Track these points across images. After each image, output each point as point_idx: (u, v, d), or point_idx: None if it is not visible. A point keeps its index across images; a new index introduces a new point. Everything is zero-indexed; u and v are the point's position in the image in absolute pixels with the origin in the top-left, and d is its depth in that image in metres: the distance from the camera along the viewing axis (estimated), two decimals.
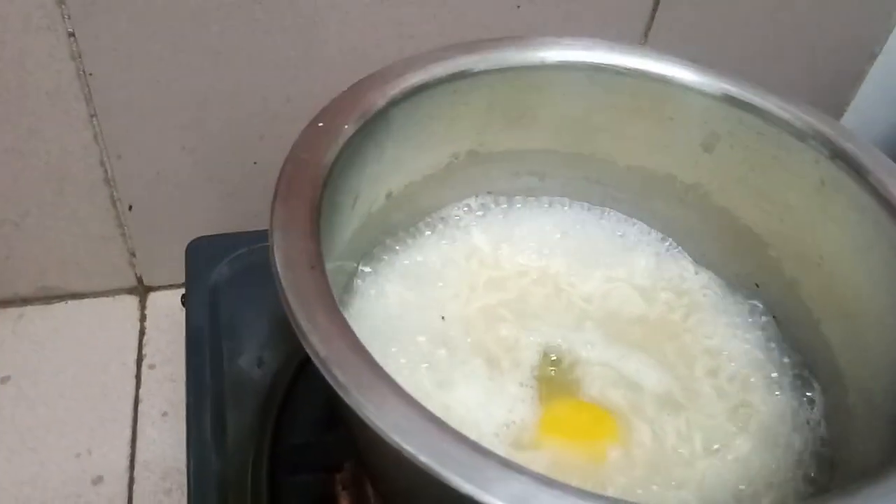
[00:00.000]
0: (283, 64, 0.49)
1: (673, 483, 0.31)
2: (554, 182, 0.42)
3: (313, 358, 0.22)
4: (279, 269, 0.24)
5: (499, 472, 0.20)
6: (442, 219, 0.41)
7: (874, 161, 0.32)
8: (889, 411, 0.29)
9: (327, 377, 0.21)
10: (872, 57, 0.60)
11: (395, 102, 0.33)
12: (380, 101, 0.33)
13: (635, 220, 0.42)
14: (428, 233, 0.41)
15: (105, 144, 0.50)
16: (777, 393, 0.35)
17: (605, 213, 0.42)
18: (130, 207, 0.55)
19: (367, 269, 0.38)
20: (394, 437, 0.20)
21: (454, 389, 0.33)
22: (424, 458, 0.20)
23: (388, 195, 0.37)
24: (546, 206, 0.43)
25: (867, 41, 0.59)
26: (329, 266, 0.30)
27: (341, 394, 0.21)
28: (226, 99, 0.50)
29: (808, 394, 0.35)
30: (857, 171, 0.32)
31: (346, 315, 0.24)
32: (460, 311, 0.37)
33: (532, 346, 0.36)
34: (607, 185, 0.42)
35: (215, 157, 0.53)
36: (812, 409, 0.35)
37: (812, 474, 0.32)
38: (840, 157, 0.33)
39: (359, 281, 0.37)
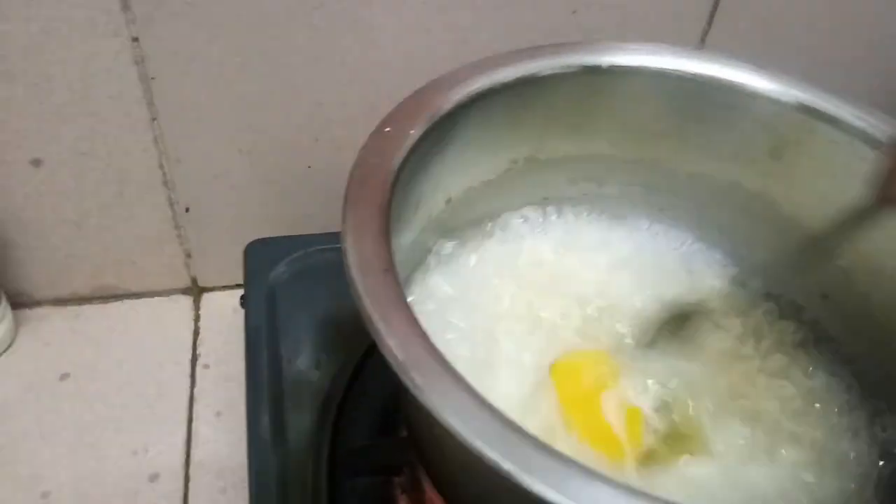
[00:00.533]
0: (339, 69, 0.49)
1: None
2: (612, 189, 0.42)
3: (391, 361, 0.22)
4: (354, 274, 0.24)
5: (583, 480, 0.19)
6: (499, 226, 0.41)
7: None
8: None
9: (405, 381, 0.21)
10: None
11: (461, 107, 0.33)
12: (445, 105, 0.33)
13: (694, 239, 0.41)
14: (484, 240, 0.41)
15: (165, 147, 0.51)
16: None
17: (663, 230, 0.42)
18: (187, 209, 0.56)
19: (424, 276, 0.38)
20: (476, 442, 0.20)
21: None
22: (508, 465, 0.20)
23: (448, 200, 0.37)
24: (601, 217, 0.42)
25: None
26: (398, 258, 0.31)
27: (420, 397, 0.21)
28: (282, 103, 0.51)
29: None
30: None
31: None
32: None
33: None
34: (667, 193, 0.41)
35: (270, 160, 0.54)
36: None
37: None
38: None
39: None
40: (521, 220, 0.41)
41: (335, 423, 0.38)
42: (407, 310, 0.24)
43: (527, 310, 0.38)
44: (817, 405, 0.35)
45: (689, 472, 0.31)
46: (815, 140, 0.35)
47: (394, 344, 0.22)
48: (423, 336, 0.23)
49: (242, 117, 0.51)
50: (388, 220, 0.27)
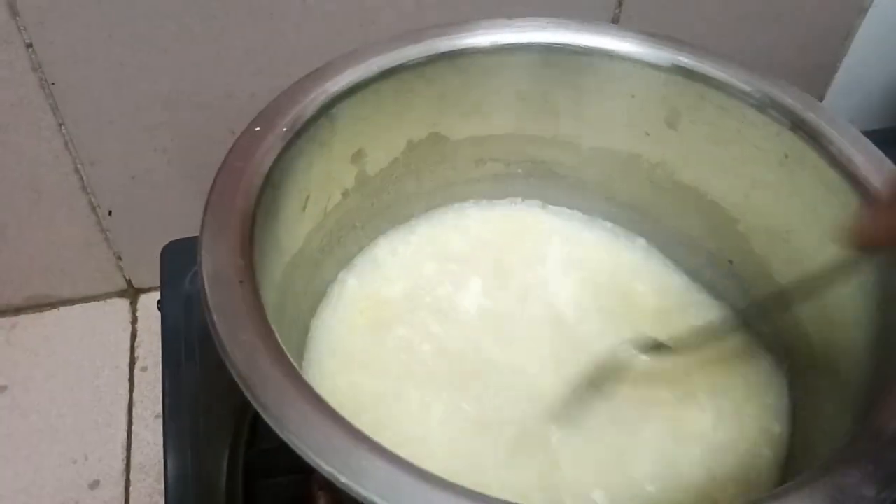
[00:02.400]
0: (244, 59, 0.48)
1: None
2: (518, 167, 0.41)
3: (235, 377, 0.22)
4: (206, 287, 0.24)
5: (416, 485, 0.19)
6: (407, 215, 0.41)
7: (838, 131, 0.31)
8: (852, 390, 0.28)
9: (248, 397, 0.21)
10: (862, 11, 0.57)
11: (337, 99, 0.33)
12: (320, 98, 0.32)
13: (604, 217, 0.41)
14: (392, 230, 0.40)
15: (77, 152, 0.50)
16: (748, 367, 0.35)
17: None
18: (110, 212, 0.55)
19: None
20: (316, 459, 0.20)
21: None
22: (344, 479, 0.19)
23: (345, 193, 0.37)
24: (510, 205, 0.42)
25: None
26: (278, 270, 0.30)
27: (264, 416, 0.21)
28: (190, 98, 0.49)
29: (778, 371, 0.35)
30: (818, 142, 0.31)
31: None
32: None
33: None
34: (573, 168, 0.41)
35: (188, 156, 0.53)
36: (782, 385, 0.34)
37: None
38: (801, 127, 0.32)
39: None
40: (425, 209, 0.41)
41: (252, 424, 0.38)
42: (260, 321, 0.23)
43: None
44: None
45: None
46: (706, 107, 0.35)
47: (238, 360, 0.22)
48: (274, 350, 0.23)
49: (153, 115, 0.50)
50: (251, 226, 0.27)
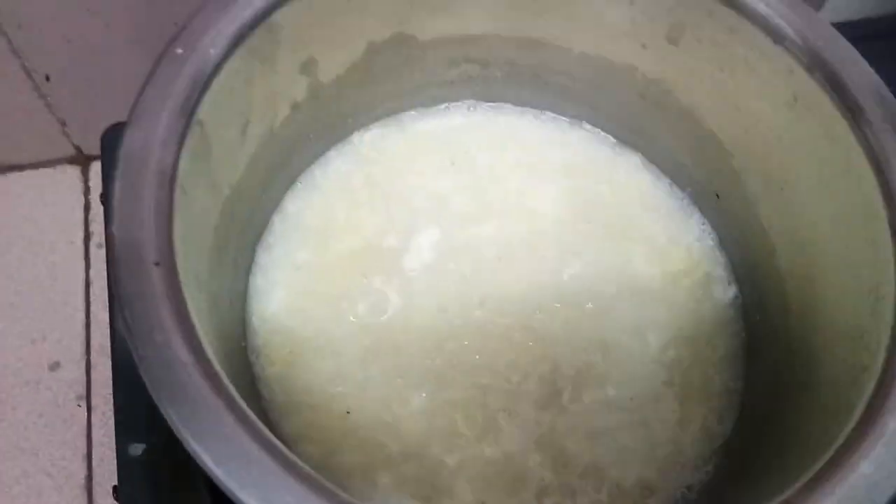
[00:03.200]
0: None
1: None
2: (497, 70, 0.36)
3: (142, 374, 0.20)
4: (117, 270, 0.21)
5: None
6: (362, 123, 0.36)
7: (860, 79, 0.27)
8: (828, 376, 0.26)
9: (155, 398, 0.19)
10: None
11: (276, 6, 0.27)
12: (256, 4, 0.27)
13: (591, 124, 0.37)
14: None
15: (0, 14, 0.44)
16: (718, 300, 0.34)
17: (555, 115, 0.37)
18: (48, 78, 0.50)
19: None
20: (235, 489, 0.18)
21: None
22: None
23: (295, 106, 0.32)
24: (489, 110, 0.38)
25: None
26: (215, 210, 0.27)
27: (172, 425, 0.19)
28: None
29: (754, 317, 0.33)
30: (835, 89, 0.27)
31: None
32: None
33: None
34: (559, 74, 0.36)
35: (128, 17, 0.47)
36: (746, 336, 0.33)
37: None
38: (819, 68, 0.27)
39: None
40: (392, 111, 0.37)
41: None
42: (177, 320, 0.21)
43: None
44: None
45: None
46: (714, 25, 0.30)
47: (152, 366, 0.20)
48: (193, 352, 0.20)
49: None
50: (170, 185, 0.23)
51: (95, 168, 0.56)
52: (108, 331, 0.49)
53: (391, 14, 0.32)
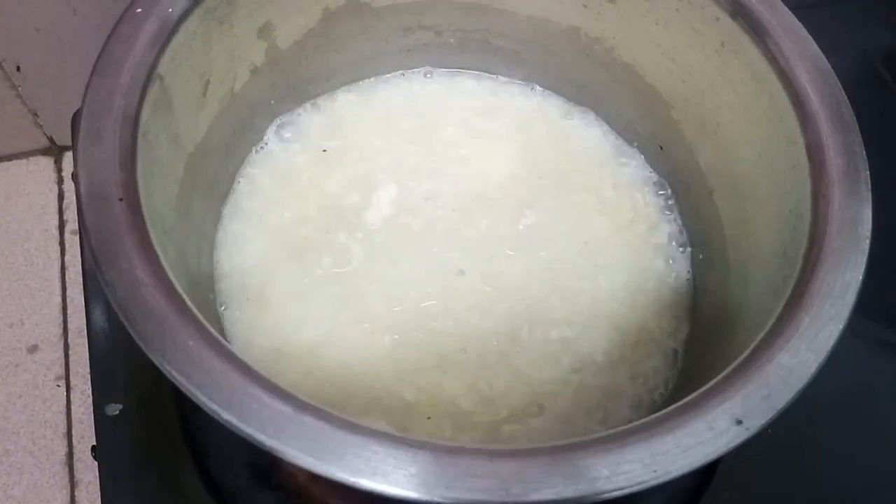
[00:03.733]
0: None
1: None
2: (450, 38, 0.38)
3: (114, 306, 0.21)
4: (82, 204, 0.23)
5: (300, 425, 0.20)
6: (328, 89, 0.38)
7: (777, 22, 0.29)
8: (757, 292, 0.28)
9: (130, 331, 0.21)
10: None
11: None
12: None
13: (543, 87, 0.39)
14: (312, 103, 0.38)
15: None
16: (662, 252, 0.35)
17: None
18: (18, 68, 0.50)
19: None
20: (201, 397, 0.20)
21: None
22: (227, 415, 0.20)
23: (254, 70, 0.34)
24: (444, 76, 0.39)
25: None
26: (179, 165, 0.29)
27: (145, 350, 0.20)
28: None
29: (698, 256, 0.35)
30: (756, 32, 0.29)
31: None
32: None
33: None
34: (509, 38, 0.38)
35: (96, 4, 0.48)
36: (692, 271, 0.35)
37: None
38: (741, 14, 0.29)
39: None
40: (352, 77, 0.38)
41: None
42: (141, 248, 0.22)
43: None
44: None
45: None
46: None
47: (118, 290, 0.21)
48: (156, 278, 0.22)
49: None
50: (133, 130, 0.25)
51: (68, 158, 0.57)
52: (84, 312, 0.51)
53: None
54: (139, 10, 0.27)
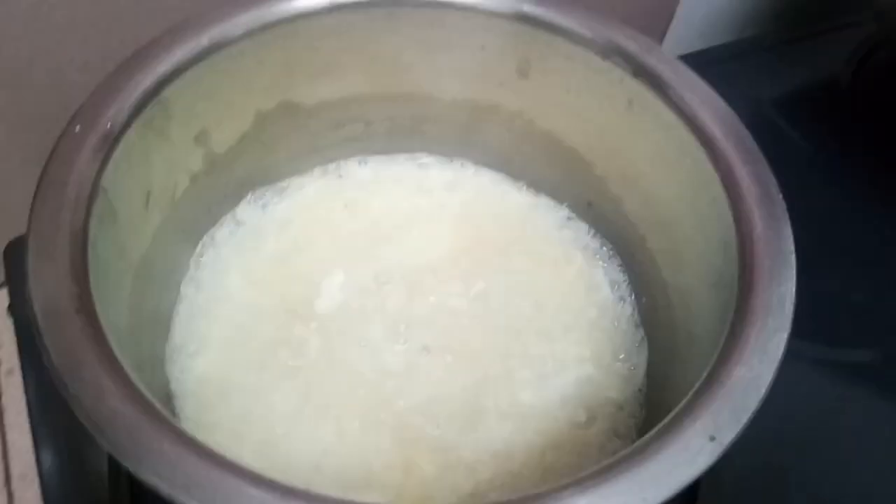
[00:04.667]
0: (63, 26, 0.43)
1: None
2: (379, 127, 0.40)
3: (84, 424, 0.20)
4: (38, 321, 0.22)
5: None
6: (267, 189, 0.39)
7: (676, 76, 0.32)
8: (704, 322, 0.30)
9: (102, 444, 0.20)
10: None
11: (166, 81, 0.30)
12: (147, 82, 0.29)
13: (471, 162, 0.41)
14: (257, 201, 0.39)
15: None
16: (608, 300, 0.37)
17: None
18: None
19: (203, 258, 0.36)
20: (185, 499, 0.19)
21: None
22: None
23: (194, 177, 0.34)
24: (377, 163, 0.41)
25: None
26: (127, 277, 0.28)
27: (122, 462, 0.20)
28: (11, 73, 0.44)
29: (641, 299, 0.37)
30: (659, 87, 0.32)
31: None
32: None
33: None
34: (435, 121, 0.40)
35: (21, 137, 0.48)
36: (640, 316, 0.36)
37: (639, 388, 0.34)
38: (643, 73, 0.32)
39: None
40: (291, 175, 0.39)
41: None
42: (104, 357, 0.22)
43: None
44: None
45: None
46: (554, 55, 0.35)
47: (87, 402, 0.21)
48: (122, 384, 0.21)
49: None
50: (83, 244, 0.25)
51: None
52: (29, 457, 0.48)
53: (274, 84, 0.36)
54: (78, 127, 0.27)
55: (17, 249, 0.43)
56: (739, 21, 0.66)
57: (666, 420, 0.22)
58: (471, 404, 0.33)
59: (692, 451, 0.21)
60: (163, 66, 0.30)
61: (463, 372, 0.34)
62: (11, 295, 0.42)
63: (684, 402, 0.22)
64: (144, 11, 0.44)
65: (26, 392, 0.38)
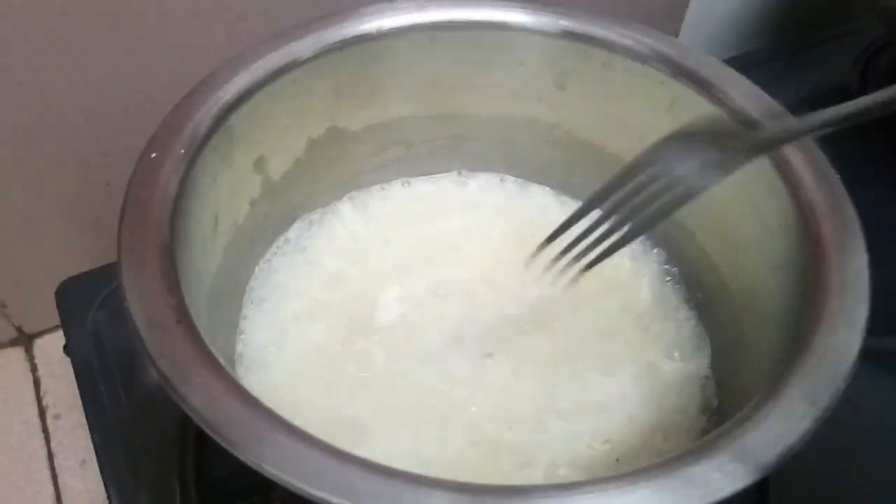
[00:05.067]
0: (108, 72, 0.45)
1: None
2: (421, 148, 0.41)
3: (201, 425, 0.21)
4: (144, 336, 0.23)
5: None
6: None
7: (716, 73, 0.33)
8: (771, 302, 0.30)
9: (221, 442, 0.21)
10: None
11: (231, 108, 0.31)
12: (214, 110, 0.31)
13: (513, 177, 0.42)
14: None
15: None
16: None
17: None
18: None
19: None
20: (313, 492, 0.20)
21: None
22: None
23: (253, 202, 0.35)
24: (420, 182, 0.42)
25: None
26: (203, 296, 0.29)
27: (241, 457, 0.20)
28: (53, 121, 0.45)
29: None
30: (701, 86, 0.33)
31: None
32: None
33: None
34: (476, 139, 0.41)
35: (61, 185, 0.49)
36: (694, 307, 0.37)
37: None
38: (683, 74, 0.34)
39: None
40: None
41: (196, 446, 0.37)
42: (209, 361, 0.23)
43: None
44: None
45: None
46: (592, 65, 0.36)
47: (200, 405, 0.21)
48: (231, 386, 0.22)
49: (8, 145, 0.45)
50: (172, 260, 0.25)
51: (39, 345, 0.56)
52: (81, 498, 0.48)
53: (324, 111, 0.37)
54: (154, 154, 0.28)
55: (69, 291, 0.44)
56: (743, 35, 0.68)
57: (763, 393, 0.23)
58: (541, 406, 0.33)
59: (796, 416, 0.21)
60: (227, 95, 0.32)
61: (529, 377, 0.34)
62: (67, 335, 0.42)
63: (780, 373, 0.23)
64: (177, 55, 0.46)
65: (91, 433, 0.38)
